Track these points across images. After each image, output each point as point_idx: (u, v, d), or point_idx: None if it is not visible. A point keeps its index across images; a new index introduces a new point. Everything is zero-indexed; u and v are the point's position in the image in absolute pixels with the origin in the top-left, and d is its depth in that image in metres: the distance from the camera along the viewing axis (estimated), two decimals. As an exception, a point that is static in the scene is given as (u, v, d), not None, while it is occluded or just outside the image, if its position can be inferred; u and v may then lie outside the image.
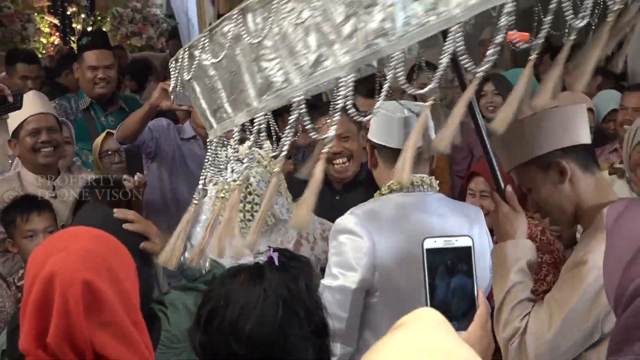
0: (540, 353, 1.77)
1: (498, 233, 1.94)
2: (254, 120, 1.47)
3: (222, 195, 1.83)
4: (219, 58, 1.50)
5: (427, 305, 1.29)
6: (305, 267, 1.61)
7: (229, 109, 1.54)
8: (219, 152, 1.68)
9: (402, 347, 0.94)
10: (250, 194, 2.40)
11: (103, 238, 1.49)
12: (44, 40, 10.20)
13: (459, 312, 1.31)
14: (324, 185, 1.43)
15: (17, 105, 2.83)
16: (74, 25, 10.78)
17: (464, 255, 1.32)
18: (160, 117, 3.55)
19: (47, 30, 10.32)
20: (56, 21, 10.56)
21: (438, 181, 2.31)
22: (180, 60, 1.65)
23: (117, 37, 10.71)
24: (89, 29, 10.58)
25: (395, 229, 2.15)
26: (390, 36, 1.28)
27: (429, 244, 1.32)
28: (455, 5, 1.26)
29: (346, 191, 3.08)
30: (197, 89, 1.61)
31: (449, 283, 1.32)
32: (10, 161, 3.43)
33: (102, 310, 1.36)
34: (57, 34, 10.51)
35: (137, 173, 3.11)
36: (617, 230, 1.32)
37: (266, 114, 1.45)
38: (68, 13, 10.76)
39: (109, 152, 3.61)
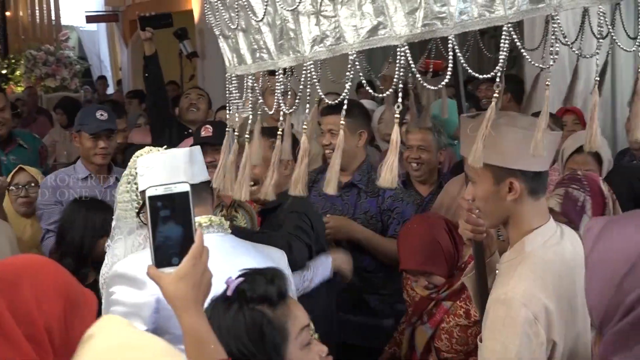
0: None
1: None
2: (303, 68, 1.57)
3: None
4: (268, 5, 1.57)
5: (150, 247, 1.40)
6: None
7: (274, 52, 1.64)
8: (233, 91, 1.77)
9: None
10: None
11: (30, 258, 1.42)
12: (-43, 84, 10.44)
13: (178, 250, 1.39)
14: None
15: None
16: (-12, 68, 11.11)
17: (183, 200, 1.40)
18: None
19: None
20: (-32, 64, 10.84)
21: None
22: None
23: (31, 79, 10.94)
24: (4, 71, 11.00)
25: None
26: (447, 21, 1.40)
27: (151, 192, 1.39)
28: (509, 7, 1.38)
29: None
30: (234, 26, 1.70)
31: (170, 226, 1.39)
32: None
33: None
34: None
35: None
36: (603, 247, 1.32)
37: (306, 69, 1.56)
38: (-19, 56, 11.01)
39: (19, 186, 3.66)
